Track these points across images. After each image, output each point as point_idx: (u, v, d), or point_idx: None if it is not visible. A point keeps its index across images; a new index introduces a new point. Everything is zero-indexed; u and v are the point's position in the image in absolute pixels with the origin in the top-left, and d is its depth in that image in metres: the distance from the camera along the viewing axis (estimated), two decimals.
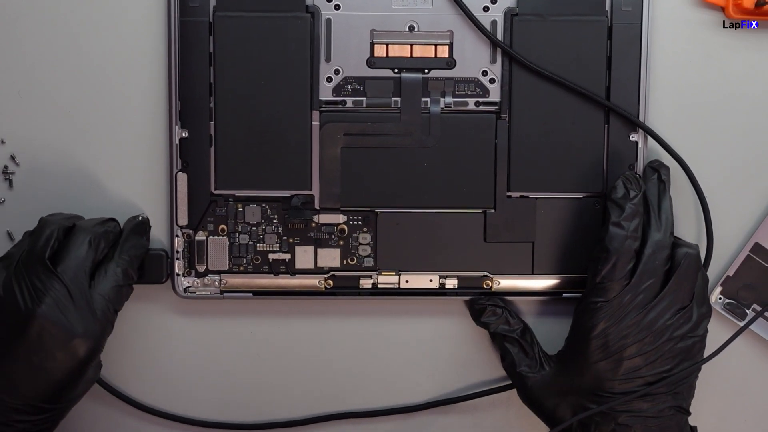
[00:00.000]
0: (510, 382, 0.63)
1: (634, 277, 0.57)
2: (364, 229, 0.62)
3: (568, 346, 0.60)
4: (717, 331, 0.63)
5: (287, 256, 0.62)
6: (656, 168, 0.60)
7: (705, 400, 0.63)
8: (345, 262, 0.63)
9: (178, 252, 0.62)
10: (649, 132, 0.61)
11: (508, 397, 0.65)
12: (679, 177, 0.62)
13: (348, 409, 0.65)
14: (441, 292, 0.63)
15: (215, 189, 0.62)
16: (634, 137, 0.62)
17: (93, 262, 0.57)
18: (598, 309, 0.57)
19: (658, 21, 0.62)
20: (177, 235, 0.62)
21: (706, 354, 0.59)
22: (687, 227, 0.63)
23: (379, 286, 0.63)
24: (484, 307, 0.62)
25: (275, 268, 0.62)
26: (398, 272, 0.63)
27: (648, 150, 0.62)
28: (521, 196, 0.62)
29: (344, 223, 0.62)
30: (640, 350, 0.57)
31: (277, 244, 0.62)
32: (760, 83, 0.63)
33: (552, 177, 0.62)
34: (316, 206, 0.62)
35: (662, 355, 0.57)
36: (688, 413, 0.59)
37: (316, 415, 0.65)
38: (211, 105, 0.61)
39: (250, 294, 0.63)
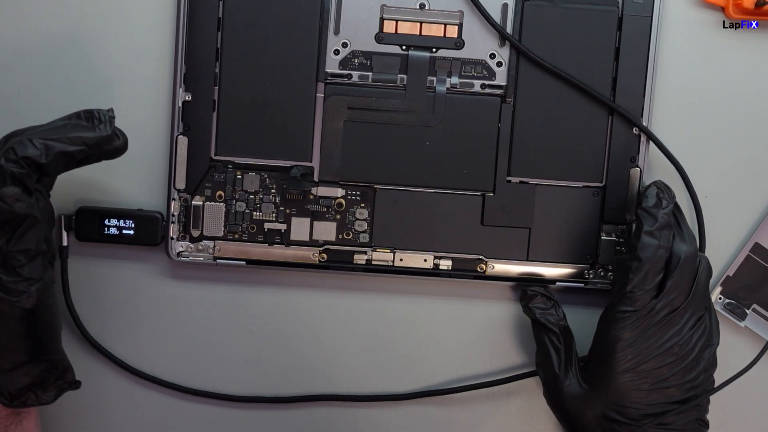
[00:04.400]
0: (508, 375, 0.64)
1: (665, 289, 0.56)
2: (362, 205, 0.62)
3: (592, 357, 0.59)
4: None
5: (283, 227, 0.62)
6: (662, 188, 0.59)
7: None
8: (340, 236, 0.62)
9: (173, 215, 0.62)
10: (648, 134, 0.61)
11: (508, 392, 0.65)
12: (676, 181, 0.62)
13: (334, 390, 0.65)
14: (435, 272, 0.62)
15: (215, 154, 0.61)
16: (636, 130, 0.62)
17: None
18: (625, 318, 0.56)
19: (664, 17, 0.62)
20: (174, 199, 0.62)
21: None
22: None
23: (374, 262, 0.63)
24: (536, 294, 0.61)
25: (270, 238, 0.62)
26: (393, 250, 0.63)
27: (650, 144, 0.62)
28: (521, 182, 0.62)
29: (342, 197, 0.62)
30: (665, 360, 0.56)
31: (274, 214, 0.62)
32: (760, 83, 0.63)
33: (553, 164, 0.62)
34: (315, 178, 0.62)
35: (687, 365, 0.57)
36: (708, 426, 0.59)
37: (301, 395, 0.65)
38: (217, 70, 0.61)
39: (244, 262, 0.62)
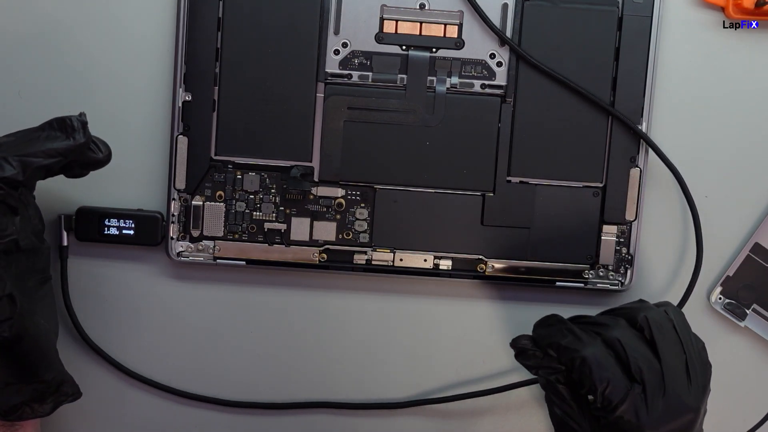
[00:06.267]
0: (506, 384, 0.64)
1: (646, 391, 0.51)
2: (362, 205, 0.62)
3: None
4: (717, 331, 0.63)
5: (283, 227, 0.62)
6: (519, 339, 0.55)
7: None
8: (340, 236, 0.62)
9: (173, 216, 0.62)
10: (645, 139, 0.61)
11: (507, 398, 0.65)
12: (673, 185, 0.62)
13: (334, 393, 0.65)
14: (435, 272, 0.62)
15: (215, 155, 0.61)
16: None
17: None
18: (627, 412, 0.51)
19: (664, 17, 0.62)
20: (174, 199, 0.62)
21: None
22: (682, 233, 0.63)
23: (373, 262, 0.63)
24: (525, 348, 0.55)
25: (270, 238, 0.62)
26: (393, 250, 0.62)
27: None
28: (521, 182, 0.62)
29: (342, 197, 0.62)
30: None
31: (274, 214, 0.62)
32: (760, 83, 0.63)
33: (553, 164, 0.62)
34: (315, 178, 0.62)
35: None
36: None
37: (296, 401, 0.65)
38: (217, 70, 0.61)
39: (244, 262, 0.62)
